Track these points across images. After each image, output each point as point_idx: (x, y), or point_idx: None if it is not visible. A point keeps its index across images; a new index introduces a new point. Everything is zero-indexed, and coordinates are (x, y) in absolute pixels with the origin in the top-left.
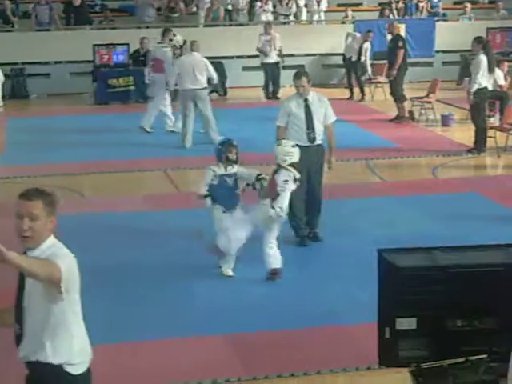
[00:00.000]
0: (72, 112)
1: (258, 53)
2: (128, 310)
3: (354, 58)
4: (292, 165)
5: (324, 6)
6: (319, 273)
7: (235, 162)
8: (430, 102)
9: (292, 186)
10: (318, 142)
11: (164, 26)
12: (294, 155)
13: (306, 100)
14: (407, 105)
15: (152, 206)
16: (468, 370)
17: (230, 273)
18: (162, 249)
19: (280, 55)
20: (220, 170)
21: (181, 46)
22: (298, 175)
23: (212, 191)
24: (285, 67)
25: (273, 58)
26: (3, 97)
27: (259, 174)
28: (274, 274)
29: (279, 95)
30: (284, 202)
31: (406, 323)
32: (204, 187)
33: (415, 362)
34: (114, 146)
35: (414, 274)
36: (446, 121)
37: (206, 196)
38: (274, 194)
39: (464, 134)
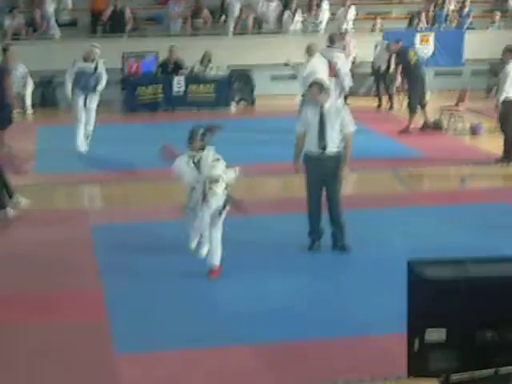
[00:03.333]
0: (101, 120)
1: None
2: (153, 318)
3: (383, 68)
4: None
5: (352, 14)
6: (348, 283)
7: (201, 149)
8: (459, 111)
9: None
10: (332, 150)
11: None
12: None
13: (321, 107)
14: (430, 115)
15: (179, 216)
16: (498, 381)
17: (192, 246)
18: (190, 258)
19: (354, 62)
20: (191, 152)
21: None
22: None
23: None
24: None
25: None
26: (33, 105)
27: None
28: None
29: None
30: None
31: (436, 334)
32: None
33: (444, 373)
34: (143, 155)
35: (444, 285)
36: (475, 130)
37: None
38: None
39: (493, 143)
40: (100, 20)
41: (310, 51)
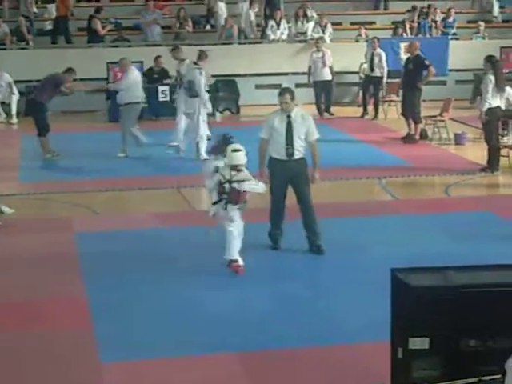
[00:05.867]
0: (86, 129)
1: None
2: (138, 327)
3: (378, 74)
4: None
5: (329, 31)
6: (330, 290)
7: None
8: (443, 121)
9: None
10: (298, 156)
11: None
12: (233, 159)
13: (288, 116)
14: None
15: (165, 224)
16: None
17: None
18: (174, 265)
19: (332, 72)
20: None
21: None
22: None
23: None
24: (298, 85)
25: (325, 75)
26: (17, 114)
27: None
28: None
29: (332, 111)
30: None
31: (419, 343)
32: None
33: (428, 381)
34: (128, 163)
35: (427, 293)
36: (459, 139)
37: None
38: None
39: (477, 152)
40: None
41: (124, 65)
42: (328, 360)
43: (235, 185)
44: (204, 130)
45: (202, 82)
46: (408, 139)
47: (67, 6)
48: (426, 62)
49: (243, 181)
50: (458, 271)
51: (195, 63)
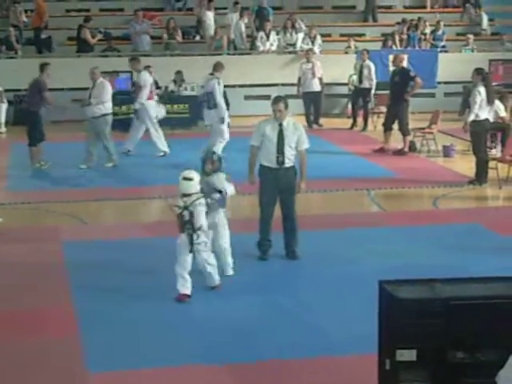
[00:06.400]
0: (74, 139)
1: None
2: (125, 336)
3: (367, 85)
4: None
5: (318, 43)
6: (319, 302)
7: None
8: (431, 133)
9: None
10: (288, 165)
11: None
12: (182, 187)
13: (280, 125)
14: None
15: (153, 233)
16: None
17: None
18: (161, 275)
19: (321, 83)
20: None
21: None
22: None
23: None
24: (288, 96)
25: (314, 86)
26: (6, 123)
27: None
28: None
29: (321, 122)
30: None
31: (407, 355)
32: None
33: None
34: (116, 173)
35: (415, 305)
36: (447, 152)
37: None
38: None
39: (465, 165)
40: (39, 38)
41: (93, 75)
42: (315, 372)
43: (191, 208)
44: (215, 139)
45: (219, 92)
46: (381, 151)
47: (42, 18)
48: (412, 74)
49: (198, 203)
50: (446, 283)
51: (211, 74)
